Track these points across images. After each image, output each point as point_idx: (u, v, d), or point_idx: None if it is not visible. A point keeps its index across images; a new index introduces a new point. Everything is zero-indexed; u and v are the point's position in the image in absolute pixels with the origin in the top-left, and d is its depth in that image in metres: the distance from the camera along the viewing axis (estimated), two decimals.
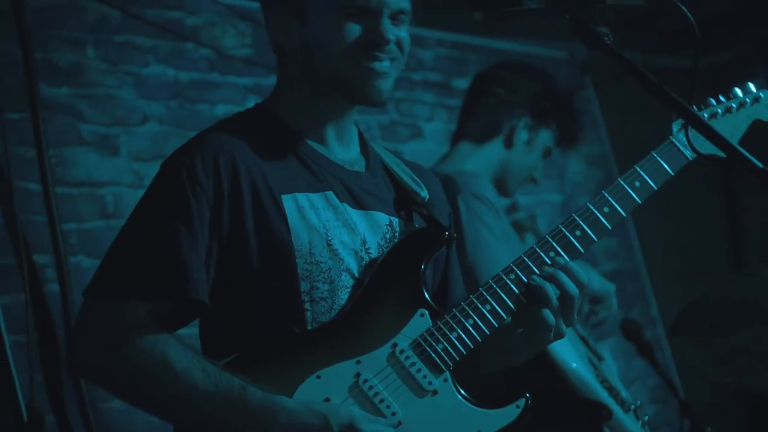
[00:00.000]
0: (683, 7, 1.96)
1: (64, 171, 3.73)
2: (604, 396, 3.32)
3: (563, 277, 2.18)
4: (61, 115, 3.77)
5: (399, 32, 2.18)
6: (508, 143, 3.50)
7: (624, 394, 3.43)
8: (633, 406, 3.40)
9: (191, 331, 2.25)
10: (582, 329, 3.56)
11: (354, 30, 2.14)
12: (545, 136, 3.54)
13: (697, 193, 6.02)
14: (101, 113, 3.88)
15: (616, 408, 3.31)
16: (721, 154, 1.94)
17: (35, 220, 3.59)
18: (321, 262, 2.15)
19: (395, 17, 2.17)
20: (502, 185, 3.55)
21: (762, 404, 4.97)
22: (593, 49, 2.02)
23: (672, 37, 5.34)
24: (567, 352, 3.30)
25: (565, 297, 2.18)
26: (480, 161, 3.48)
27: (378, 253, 2.22)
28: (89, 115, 3.85)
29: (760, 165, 1.79)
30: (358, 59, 2.15)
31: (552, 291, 2.17)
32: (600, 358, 3.51)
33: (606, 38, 1.99)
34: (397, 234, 2.27)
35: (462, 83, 5.10)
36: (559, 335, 2.24)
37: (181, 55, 4.18)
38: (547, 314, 2.17)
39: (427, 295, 2.19)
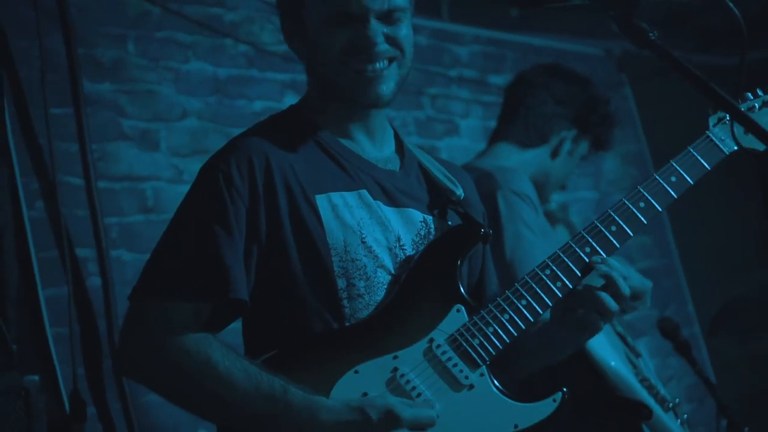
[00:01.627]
0: (730, 3, 1.96)
1: (106, 165, 3.77)
2: (644, 395, 3.30)
3: (617, 279, 2.22)
4: (103, 111, 3.81)
5: (395, 31, 2.18)
6: (554, 154, 3.51)
7: (662, 392, 3.42)
8: (671, 405, 3.39)
9: (235, 324, 2.27)
10: (620, 326, 3.55)
11: (342, 36, 2.16)
12: (584, 146, 3.55)
13: (734, 190, 5.97)
14: (142, 108, 3.92)
15: (655, 407, 3.30)
16: (760, 147, 1.94)
17: (78, 214, 3.63)
18: (356, 260, 2.17)
19: (387, 17, 2.17)
20: (539, 192, 3.55)
21: None
22: (639, 46, 2.01)
23: (714, 34, 5.32)
24: (605, 350, 3.29)
25: (616, 296, 2.22)
26: (521, 164, 3.47)
27: (413, 249, 2.24)
28: (130, 111, 3.89)
29: None
30: (350, 64, 2.17)
31: (605, 297, 2.21)
32: (638, 355, 3.50)
33: (651, 34, 1.99)
34: (431, 231, 2.29)
35: (498, 79, 5.10)
36: (600, 330, 2.26)
37: (220, 51, 4.22)
38: (595, 316, 2.22)
39: (463, 291, 2.21)
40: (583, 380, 3.22)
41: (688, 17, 5.28)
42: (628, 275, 3.56)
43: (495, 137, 3.62)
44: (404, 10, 2.20)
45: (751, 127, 1.90)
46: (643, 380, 3.36)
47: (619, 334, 3.50)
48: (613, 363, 3.27)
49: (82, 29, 3.77)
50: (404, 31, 2.21)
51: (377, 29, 2.16)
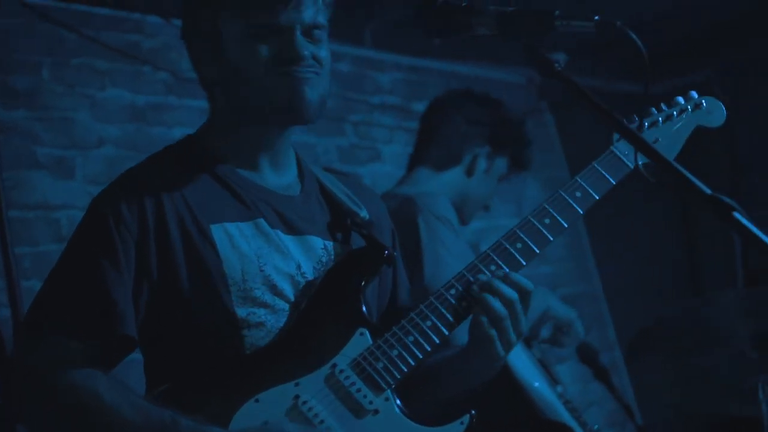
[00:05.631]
0: (632, 35, 1.98)
1: (20, 194, 3.71)
2: (567, 417, 3.32)
3: (500, 285, 2.15)
4: (17, 138, 3.75)
5: (316, 50, 2.17)
6: (469, 172, 3.52)
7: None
8: (593, 429, 3.41)
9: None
10: (540, 354, 3.57)
11: (268, 50, 2.13)
12: (501, 164, 3.57)
13: (655, 215, 6.07)
14: (57, 136, 3.87)
15: (578, 430, 3.31)
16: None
17: None
18: (255, 289, 2.14)
19: (309, 33, 2.16)
20: (459, 213, 3.56)
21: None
22: (544, 76, 2.02)
23: (633, 63, 5.39)
24: (530, 371, 3.31)
25: (505, 303, 2.15)
26: (439, 187, 3.49)
27: (315, 276, 2.21)
28: (45, 138, 3.83)
29: (708, 191, 1.79)
30: (277, 70, 2.13)
31: (490, 300, 2.14)
32: (557, 383, 3.52)
33: (556, 64, 2.00)
34: (332, 257, 2.26)
35: (421, 106, 5.08)
36: (509, 346, 2.19)
37: (139, 78, 4.18)
38: (486, 324, 2.14)
39: (366, 314, 2.18)
40: (507, 401, 3.23)
41: (609, 45, 5.35)
42: (549, 306, 3.57)
43: (413, 163, 3.65)
44: (324, 28, 2.20)
45: (653, 157, 1.90)
46: (567, 402, 3.37)
47: (539, 361, 3.51)
48: (537, 384, 3.28)
49: None
50: (325, 53, 2.20)
51: (303, 42, 2.15)
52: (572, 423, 3.31)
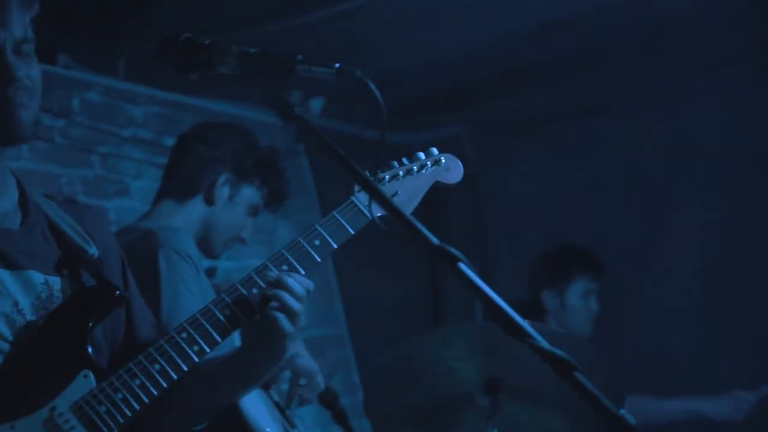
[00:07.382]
0: (371, 84, 2.00)
1: None
2: None
3: (291, 282, 2.21)
4: None
5: (28, 68, 2.07)
6: (209, 200, 3.47)
7: None
8: None
9: None
10: (278, 397, 3.55)
11: None
12: (249, 193, 3.53)
13: (404, 260, 6.19)
14: None
15: None
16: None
17: None
18: None
19: (18, 50, 2.06)
20: (206, 245, 3.50)
21: None
22: (282, 119, 2.02)
23: (390, 113, 5.50)
24: (263, 417, 3.28)
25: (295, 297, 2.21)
26: (182, 219, 3.44)
27: (34, 314, 2.10)
28: None
29: (436, 241, 1.82)
30: None
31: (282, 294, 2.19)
32: (293, 426, 3.51)
33: (294, 109, 2.00)
34: (54, 293, 2.15)
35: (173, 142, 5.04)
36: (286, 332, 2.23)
37: None
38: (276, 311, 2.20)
39: (93, 355, 2.10)
40: None
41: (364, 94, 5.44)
42: (297, 352, 3.56)
43: (158, 197, 3.58)
44: (32, 41, 2.09)
45: (386, 207, 1.92)
46: None
47: (276, 404, 3.50)
48: (268, 429, 3.25)
49: None
50: (35, 71, 2.10)
51: (16, 61, 2.04)
52: None
